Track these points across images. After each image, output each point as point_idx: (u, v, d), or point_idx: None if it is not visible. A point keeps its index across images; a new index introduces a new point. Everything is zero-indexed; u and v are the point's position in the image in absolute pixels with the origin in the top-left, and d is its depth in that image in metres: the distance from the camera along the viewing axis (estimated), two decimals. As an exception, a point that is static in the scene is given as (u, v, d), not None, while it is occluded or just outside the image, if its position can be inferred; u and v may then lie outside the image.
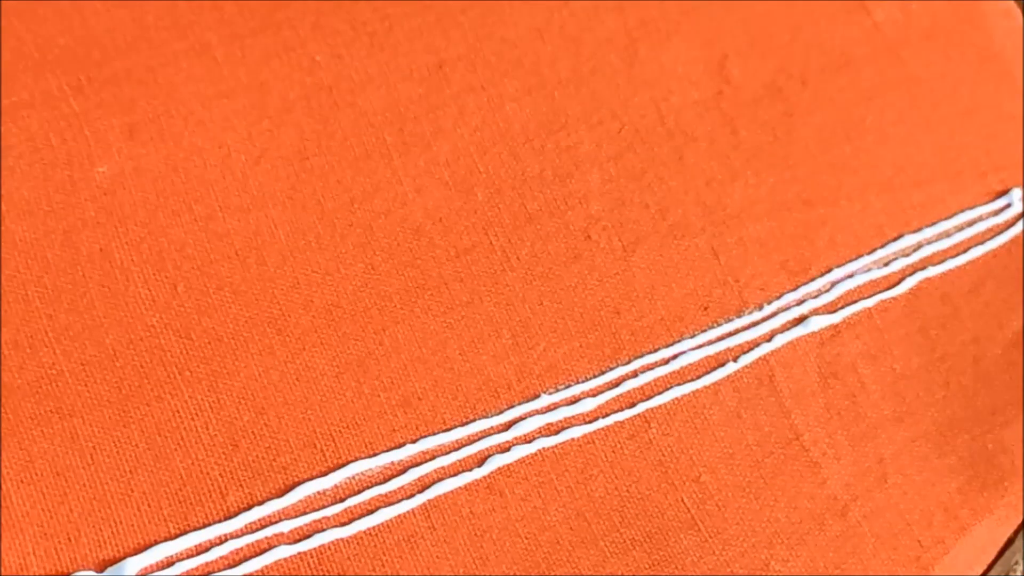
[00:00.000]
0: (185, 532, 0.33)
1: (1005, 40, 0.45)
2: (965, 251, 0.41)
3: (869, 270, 0.40)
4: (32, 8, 0.40)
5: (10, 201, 0.36)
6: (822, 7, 0.45)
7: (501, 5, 0.42)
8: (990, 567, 0.38)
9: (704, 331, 0.38)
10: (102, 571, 0.32)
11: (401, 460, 0.35)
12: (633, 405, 0.37)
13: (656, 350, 0.37)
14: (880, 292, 0.40)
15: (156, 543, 0.32)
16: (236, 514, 0.33)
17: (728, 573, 0.35)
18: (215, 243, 0.37)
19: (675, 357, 0.37)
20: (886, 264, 0.40)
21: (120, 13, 0.40)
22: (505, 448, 0.35)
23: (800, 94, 0.43)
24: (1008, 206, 0.42)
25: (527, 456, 0.35)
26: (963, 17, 0.45)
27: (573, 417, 0.36)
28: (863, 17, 0.45)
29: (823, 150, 0.42)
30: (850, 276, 0.39)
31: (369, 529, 0.34)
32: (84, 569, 0.32)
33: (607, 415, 0.36)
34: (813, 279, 0.39)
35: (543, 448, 0.36)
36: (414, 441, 0.35)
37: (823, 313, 0.39)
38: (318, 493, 0.34)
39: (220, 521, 0.33)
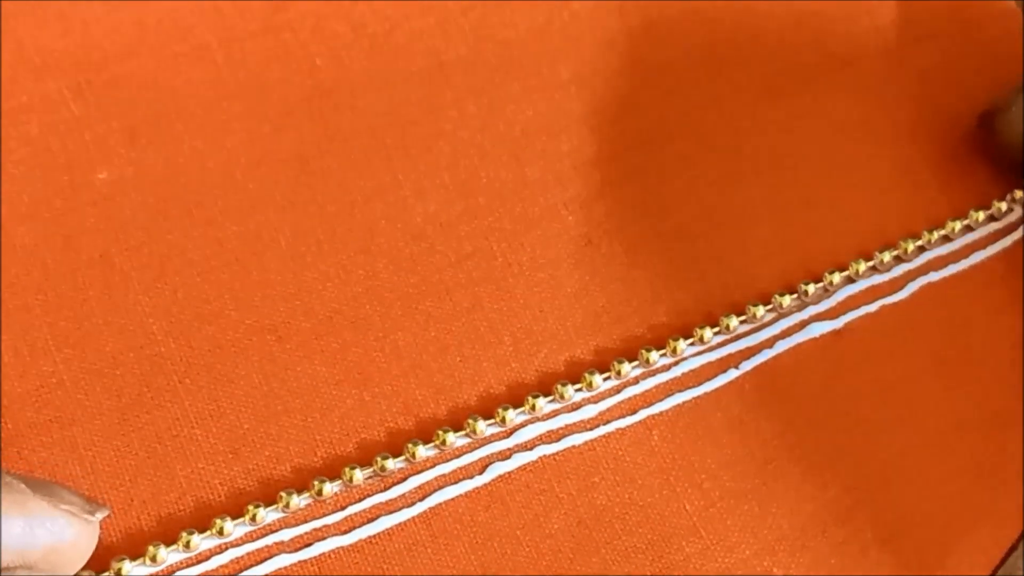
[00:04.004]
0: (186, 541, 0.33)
1: (1005, 41, 0.45)
2: (967, 256, 0.41)
3: (870, 275, 0.40)
4: (32, 10, 0.40)
5: (10, 206, 0.36)
6: (822, 7, 0.45)
7: (501, 6, 0.42)
8: (994, 571, 0.38)
9: (705, 339, 0.38)
10: (102, 579, 0.32)
11: (402, 468, 0.35)
12: (635, 411, 0.37)
13: (659, 357, 0.37)
14: (882, 297, 0.39)
15: (157, 551, 0.32)
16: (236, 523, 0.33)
17: (730, 580, 0.35)
18: (215, 248, 0.37)
19: (677, 364, 0.37)
20: (888, 269, 0.40)
21: (120, 16, 0.40)
22: (506, 456, 0.35)
23: (801, 95, 0.43)
24: (1010, 210, 0.42)
25: (528, 463, 0.35)
26: (963, 17, 0.45)
27: (574, 424, 0.36)
28: (863, 17, 0.45)
29: (824, 152, 0.42)
30: (851, 281, 0.39)
31: (370, 537, 0.34)
32: (84, 576, 0.32)
33: (608, 422, 0.36)
34: (814, 284, 0.39)
35: (544, 455, 0.36)
36: (415, 448, 0.35)
37: (825, 319, 0.39)
38: (318, 501, 0.34)
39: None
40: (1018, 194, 0.42)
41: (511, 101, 0.41)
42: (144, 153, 0.38)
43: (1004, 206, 0.41)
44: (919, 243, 0.40)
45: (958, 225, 0.41)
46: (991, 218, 0.41)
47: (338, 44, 0.41)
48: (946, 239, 0.41)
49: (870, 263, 0.40)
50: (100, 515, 0.31)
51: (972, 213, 0.41)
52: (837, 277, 0.39)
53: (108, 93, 0.39)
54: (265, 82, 0.40)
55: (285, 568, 0.33)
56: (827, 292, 0.39)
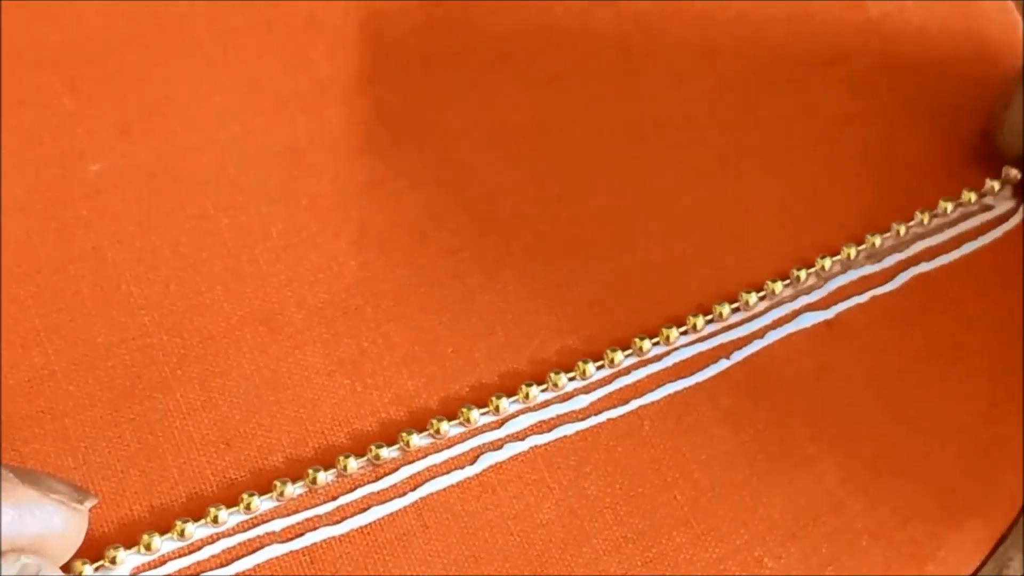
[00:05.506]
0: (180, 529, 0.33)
1: (1001, 37, 0.45)
2: (959, 246, 0.41)
3: (862, 266, 0.40)
4: (25, 6, 0.40)
5: (2, 199, 0.37)
6: (817, 3, 0.45)
7: (493, 3, 0.42)
8: (983, 563, 0.38)
9: (697, 328, 0.38)
10: (96, 570, 0.32)
11: (393, 458, 0.35)
12: (626, 402, 0.37)
13: (651, 347, 0.37)
14: (873, 288, 0.39)
15: (151, 540, 0.32)
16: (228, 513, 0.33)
17: (721, 570, 0.35)
18: (207, 241, 0.37)
19: (668, 354, 0.37)
20: (879, 260, 0.40)
21: (113, 10, 0.40)
22: (498, 446, 0.35)
23: (794, 89, 0.43)
24: (1003, 188, 0.41)
25: (520, 454, 0.35)
26: (959, 13, 0.45)
27: (566, 414, 0.36)
28: (858, 13, 0.45)
29: (817, 144, 0.42)
30: (843, 272, 0.39)
31: (361, 527, 0.34)
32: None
33: (600, 412, 0.36)
34: (806, 275, 0.39)
35: (535, 445, 0.36)
36: (408, 437, 0.35)
37: (816, 309, 0.39)
38: (310, 491, 0.34)
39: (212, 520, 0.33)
40: (1011, 172, 0.41)
41: (503, 95, 0.41)
42: (136, 146, 0.38)
43: (996, 185, 0.41)
44: (910, 234, 0.40)
45: (950, 216, 0.41)
46: (983, 209, 0.41)
47: (331, 38, 0.41)
48: (937, 230, 0.41)
49: (861, 254, 0.40)
50: (89, 503, 0.31)
51: (965, 193, 0.41)
52: (829, 262, 0.39)
53: (101, 87, 0.39)
54: (258, 76, 0.40)
55: (277, 558, 0.33)
56: (819, 278, 0.39)
